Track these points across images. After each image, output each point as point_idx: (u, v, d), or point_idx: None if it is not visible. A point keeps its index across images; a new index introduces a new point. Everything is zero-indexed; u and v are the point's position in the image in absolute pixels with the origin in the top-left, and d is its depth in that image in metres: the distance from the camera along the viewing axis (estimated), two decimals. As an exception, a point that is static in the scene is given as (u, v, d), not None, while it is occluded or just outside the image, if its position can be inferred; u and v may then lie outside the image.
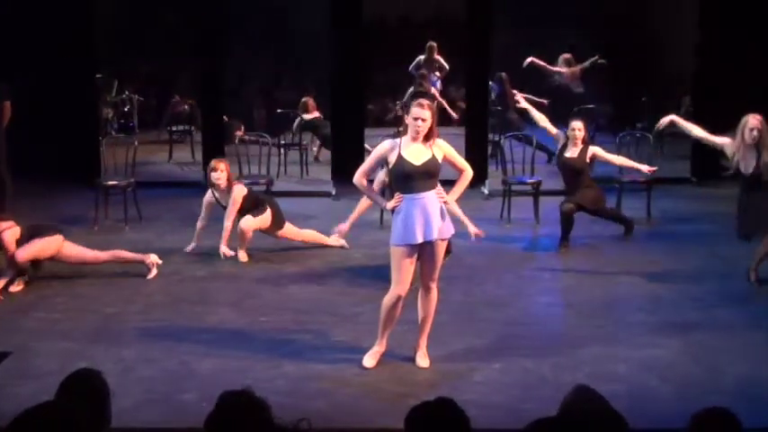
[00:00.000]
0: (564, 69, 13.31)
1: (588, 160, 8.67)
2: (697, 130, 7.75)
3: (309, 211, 10.14)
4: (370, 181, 6.78)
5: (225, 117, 12.19)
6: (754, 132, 7.45)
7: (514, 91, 10.11)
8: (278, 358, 6.13)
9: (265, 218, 8.48)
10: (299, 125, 12.56)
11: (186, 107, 13.85)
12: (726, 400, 4.60)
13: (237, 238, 8.39)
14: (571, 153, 8.71)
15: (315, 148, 12.91)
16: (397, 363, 6.05)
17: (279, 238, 8.61)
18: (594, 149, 8.74)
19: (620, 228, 9.10)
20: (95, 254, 7.89)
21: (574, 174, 8.69)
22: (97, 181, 9.96)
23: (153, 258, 7.92)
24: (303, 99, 12.73)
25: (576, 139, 8.66)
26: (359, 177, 5.95)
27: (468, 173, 6.02)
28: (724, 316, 6.93)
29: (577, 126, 8.71)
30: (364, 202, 7.66)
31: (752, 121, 7.51)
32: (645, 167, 8.71)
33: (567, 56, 13.35)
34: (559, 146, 8.82)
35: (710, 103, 11.50)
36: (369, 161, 5.99)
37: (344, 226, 7.87)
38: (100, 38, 12.02)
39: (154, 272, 7.89)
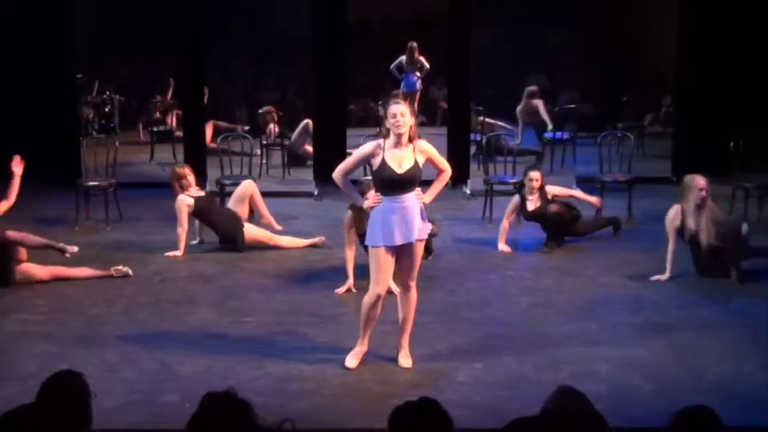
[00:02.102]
0: (522, 104, 13.16)
1: (549, 199, 8.70)
2: (670, 248, 7.70)
3: (291, 212, 10.12)
4: (354, 181, 6.72)
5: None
6: (703, 193, 7.54)
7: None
8: (260, 359, 6.12)
9: None
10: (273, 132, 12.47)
11: (158, 113, 13.76)
12: (707, 398, 4.63)
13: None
14: (534, 204, 8.69)
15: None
16: (379, 363, 6.05)
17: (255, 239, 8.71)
18: (549, 189, 8.74)
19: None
20: (60, 268, 7.87)
21: (544, 219, 8.70)
22: (78, 182, 9.91)
23: (116, 267, 7.88)
24: (264, 109, 12.56)
25: (533, 189, 8.67)
26: (338, 174, 5.92)
27: (448, 173, 6.01)
28: (706, 315, 6.97)
29: (535, 177, 8.69)
30: (350, 254, 7.55)
31: (700, 181, 7.58)
32: (593, 199, 9.03)
33: (533, 88, 13.25)
34: (517, 205, 8.77)
35: (690, 102, 11.58)
36: (350, 160, 5.96)
37: (350, 282, 7.51)
38: (80, 38, 11.95)
39: (127, 270, 7.88)
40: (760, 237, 8.82)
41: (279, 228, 8.97)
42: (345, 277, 7.54)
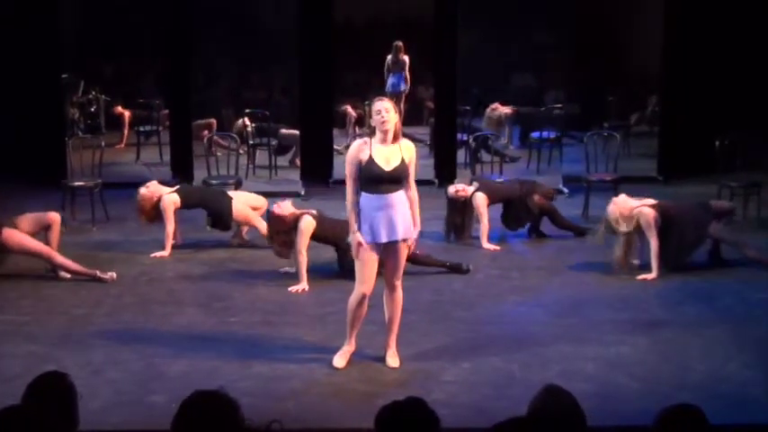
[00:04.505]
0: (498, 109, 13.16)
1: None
2: (654, 247, 7.79)
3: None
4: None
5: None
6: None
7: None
8: (247, 359, 6.11)
9: None
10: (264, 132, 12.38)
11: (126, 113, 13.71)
12: (693, 396, 4.65)
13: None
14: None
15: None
16: (367, 362, 6.05)
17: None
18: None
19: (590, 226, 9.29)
20: (50, 250, 7.85)
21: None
22: (64, 182, 9.88)
23: (103, 274, 7.81)
24: (211, 120, 12.34)
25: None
26: (351, 192, 5.79)
27: (416, 195, 5.89)
28: (691, 313, 6.99)
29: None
30: (304, 260, 7.65)
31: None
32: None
33: (495, 109, 13.22)
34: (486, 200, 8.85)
35: (676, 102, 11.62)
36: (350, 176, 5.80)
37: (304, 285, 7.63)
38: (65, 37, 11.91)
39: (111, 275, 7.83)
40: (744, 235, 8.87)
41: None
42: (332, 277, 7.64)
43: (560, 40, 13.12)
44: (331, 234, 7.74)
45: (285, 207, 7.84)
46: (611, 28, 13.76)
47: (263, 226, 8.69)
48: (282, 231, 7.79)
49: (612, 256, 7.87)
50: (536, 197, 8.88)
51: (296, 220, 7.72)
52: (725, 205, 8.28)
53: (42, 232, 7.96)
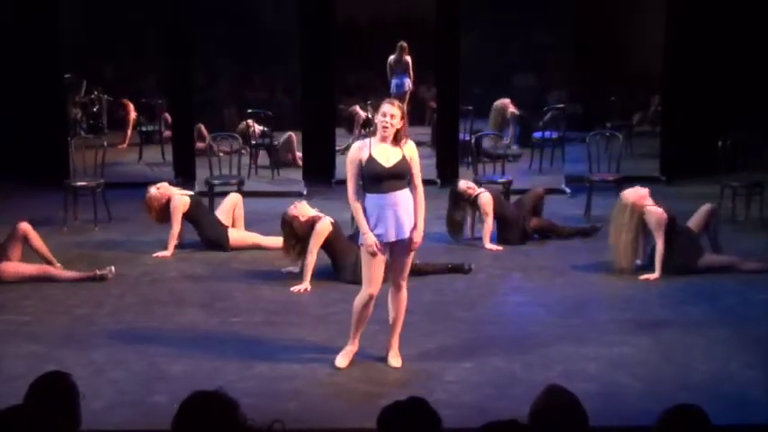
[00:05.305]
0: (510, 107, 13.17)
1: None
2: (659, 248, 7.77)
3: (281, 212, 10.08)
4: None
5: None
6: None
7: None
8: (249, 359, 6.11)
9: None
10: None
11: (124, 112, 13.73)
12: (695, 397, 4.65)
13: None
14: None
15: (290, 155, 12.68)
16: (369, 362, 6.05)
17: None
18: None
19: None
20: (46, 267, 7.84)
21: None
22: (66, 182, 9.89)
23: (100, 272, 7.80)
24: (197, 125, 12.12)
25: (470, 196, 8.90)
26: (352, 197, 5.80)
27: (422, 193, 5.87)
28: (693, 313, 6.99)
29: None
30: (312, 261, 7.67)
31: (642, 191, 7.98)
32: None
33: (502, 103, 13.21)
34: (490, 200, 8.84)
35: (678, 102, 11.61)
36: (351, 176, 5.81)
37: (306, 285, 7.62)
38: (67, 37, 11.92)
39: (110, 269, 7.83)
40: (746, 236, 8.88)
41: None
42: (334, 277, 7.66)
43: (560, 40, 13.11)
44: (338, 248, 7.74)
45: (302, 209, 7.83)
46: (611, 28, 13.75)
47: (263, 241, 8.69)
48: (294, 235, 7.77)
49: (614, 257, 7.87)
50: (533, 221, 8.91)
51: (313, 223, 7.72)
52: (705, 216, 8.07)
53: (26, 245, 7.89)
